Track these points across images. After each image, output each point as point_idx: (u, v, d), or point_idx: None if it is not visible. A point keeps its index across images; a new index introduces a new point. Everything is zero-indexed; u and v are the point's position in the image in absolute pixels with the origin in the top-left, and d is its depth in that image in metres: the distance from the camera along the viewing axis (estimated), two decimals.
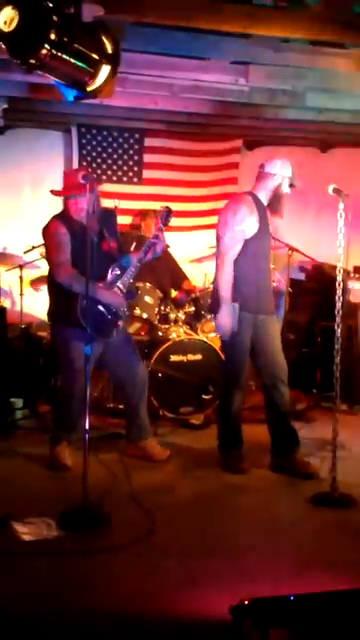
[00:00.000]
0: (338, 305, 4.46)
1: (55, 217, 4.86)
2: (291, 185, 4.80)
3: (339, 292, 4.47)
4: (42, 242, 5.36)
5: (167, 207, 4.99)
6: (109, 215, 5.03)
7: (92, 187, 4.56)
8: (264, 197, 4.79)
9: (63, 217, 4.81)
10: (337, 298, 4.46)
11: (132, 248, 5.42)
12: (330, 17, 4.19)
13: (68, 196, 4.81)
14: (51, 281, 4.83)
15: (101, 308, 4.74)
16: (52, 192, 5.04)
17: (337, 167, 7.80)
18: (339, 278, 4.45)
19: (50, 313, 4.95)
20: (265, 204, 4.79)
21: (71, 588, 3.34)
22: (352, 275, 6.67)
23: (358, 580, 3.34)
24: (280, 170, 4.76)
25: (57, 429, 4.95)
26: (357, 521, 4.17)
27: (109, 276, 4.83)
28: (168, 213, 4.95)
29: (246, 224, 4.67)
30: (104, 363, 4.95)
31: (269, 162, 4.80)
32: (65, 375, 4.96)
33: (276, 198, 4.80)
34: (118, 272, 4.86)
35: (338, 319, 4.46)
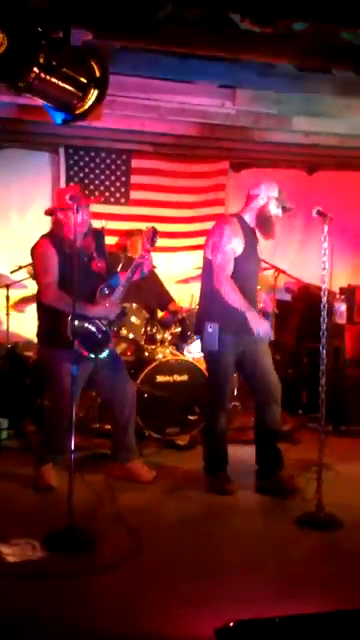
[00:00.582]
0: (323, 326, 4.49)
1: (44, 237, 4.86)
2: (284, 208, 4.81)
3: (324, 314, 4.50)
4: (29, 262, 5.38)
5: (153, 227, 5.01)
6: (98, 235, 5.03)
7: (88, 203, 4.61)
8: (250, 219, 4.82)
9: (52, 237, 4.81)
10: (322, 319, 4.49)
11: (119, 268, 5.44)
12: (315, 43, 4.26)
13: (64, 211, 4.70)
14: (39, 302, 4.83)
15: (90, 327, 4.75)
16: (47, 211, 5.00)
17: (323, 190, 7.88)
18: (324, 300, 4.49)
19: (39, 334, 4.95)
20: (252, 226, 4.82)
21: (56, 609, 3.31)
22: (338, 296, 6.71)
23: (344, 602, 3.34)
24: (265, 191, 4.79)
25: (43, 450, 4.93)
26: (342, 542, 4.16)
27: (98, 296, 4.84)
28: (154, 233, 4.97)
29: (233, 244, 4.70)
30: (93, 383, 4.95)
31: (258, 186, 4.83)
32: (53, 396, 4.95)
33: (264, 219, 4.81)
34: (107, 292, 4.88)
35: (323, 340, 4.48)
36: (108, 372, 4.93)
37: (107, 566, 3.72)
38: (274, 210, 4.81)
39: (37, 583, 3.56)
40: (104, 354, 4.83)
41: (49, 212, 5.01)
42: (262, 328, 4.71)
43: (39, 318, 4.90)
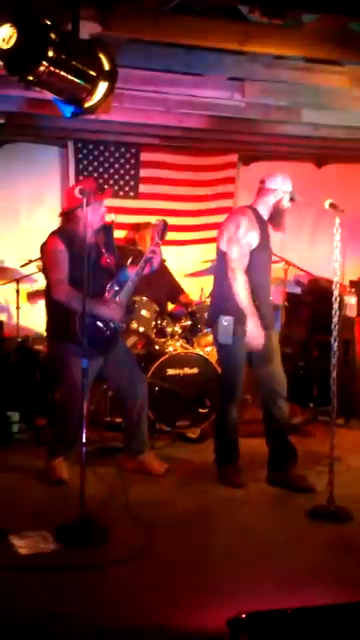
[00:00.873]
0: (335, 319, 4.49)
1: (54, 233, 4.86)
2: (292, 199, 4.82)
3: (335, 306, 4.49)
4: (39, 256, 5.38)
5: (163, 221, 5.01)
6: (107, 230, 5.01)
7: (105, 198, 4.67)
8: (265, 212, 4.81)
9: (62, 233, 4.80)
10: (334, 312, 4.48)
11: (128, 262, 5.44)
12: (325, 34, 4.24)
13: (80, 192, 4.51)
14: (49, 297, 4.84)
15: (99, 324, 4.75)
16: (65, 210, 4.93)
17: (333, 182, 7.86)
18: (335, 293, 4.48)
19: (48, 329, 4.96)
20: (265, 218, 4.82)
21: (68, 602, 3.33)
22: (348, 289, 6.69)
23: (355, 594, 3.34)
24: (281, 185, 4.78)
25: (54, 443, 4.94)
26: (353, 535, 4.17)
27: (107, 292, 4.85)
28: (164, 227, 4.97)
29: (250, 237, 4.70)
30: (105, 377, 4.99)
31: (270, 177, 4.82)
32: (64, 390, 4.97)
33: (278, 213, 4.82)
34: (116, 288, 4.88)
35: (335, 333, 4.48)
36: (119, 365, 4.95)
37: (119, 559, 3.73)
38: (287, 204, 4.81)
39: (49, 575, 3.58)
40: (111, 351, 4.84)
41: (65, 211, 4.94)
42: (256, 342, 4.70)
43: (48, 313, 4.91)
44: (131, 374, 5.03)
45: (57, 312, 4.73)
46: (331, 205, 4.41)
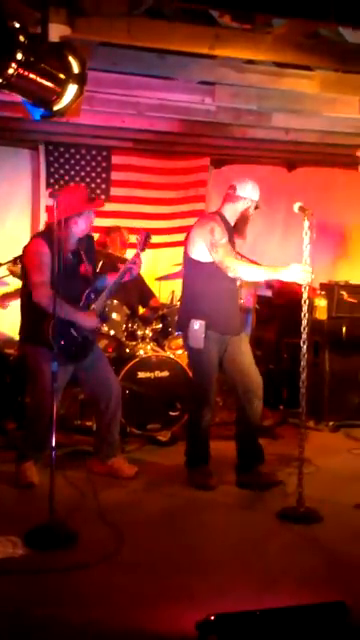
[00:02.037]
0: (304, 322, 4.52)
1: (39, 236, 4.84)
2: (256, 207, 4.84)
3: (305, 309, 4.52)
4: (9, 259, 5.38)
5: (147, 232, 5.06)
6: (88, 239, 5.00)
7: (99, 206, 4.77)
8: (231, 218, 4.83)
9: (47, 237, 4.73)
10: (303, 315, 4.52)
11: (99, 265, 5.43)
12: (294, 39, 4.28)
13: (77, 214, 4.66)
14: (25, 299, 4.81)
15: (73, 332, 4.74)
16: (59, 218, 4.88)
17: (303, 186, 7.90)
18: (305, 295, 4.51)
19: (22, 331, 4.94)
20: (231, 224, 4.83)
21: (37, 607, 3.31)
22: (318, 292, 6.73)
23: (323, 595, 3.36)
24: (250, 194, 4.79)
25: (24, 447, 4.92)
26: (322, 536, 4.19)
27: (84, 299, 4.85)
28: (147, 237, 5.01)
29: (225, 238, 4.69)
30: (78, 381, 4.98)
31: (241, 184, 4.82)
32: (34, 393, 4.94)
33: (242, 220, 4.84)
34: (92, 296, 4.89)
35: (304, 336, 4.51)
36: (92, 370, 4.94)
37: (88, 562, 3.72)
38: (252, 212, 4.82)
39: (18, 579, 3.56)
40: (83, 358, 4.84)
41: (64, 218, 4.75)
42: (302, 276, 4.49)
43: (23, 315, 4.89)
44: (105, 378, 5.02)
45: (32, 314, 4.70)
46: (300, 208, 4.43)
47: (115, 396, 5.03)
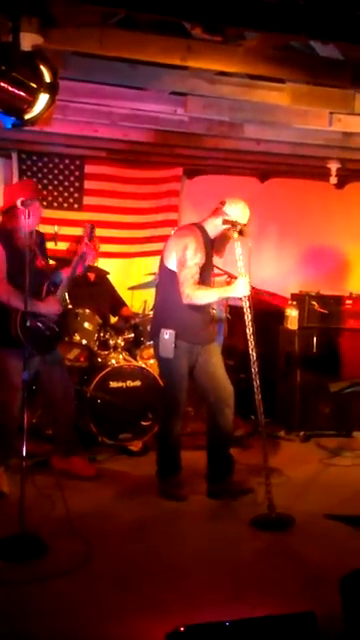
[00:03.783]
0: (248, 332, 4.69)
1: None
2: (240, 232, 4.73)
3: (247, 319, 4.67)
4: None
5: (91, 224, 5.12)
6: (38, 234, 5.05)
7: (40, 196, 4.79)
8: (212, 232, 4.81)
9: (1, 232, 4.79)
10: (247, 323, 4.65)
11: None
12: (266, 52, 4.30)
13: (22, 204, 4.63)
14: None
15: (39, 324, 4.79)
16: (3, 208, 4.92)
17: (275, 197, 7.98)
18: (246, 305, 4.67)
19: None
20: (211, 237, 4.82)
21: (5, 618, 3.29)
22: (289, 302, 6.77)
23: (293, 605, 3.37)
24: (236, 214, 4.75)
25: None
26: (292, 546, 4.21)
27: (44, 292, 4.90)
28: (92, 229, 5.08)
29: (198, 258, 4.69)
30: (39, 377, 5.00)
31: (231, 201, 4.78)
32: (2, 393, 4.92)
33: (222, 239, 4.83)
34: (52, 289, 4.96)
35: (251, 345, 4.61)
36: (48, 367, 4.98)
37: (58, 572, 3.70)
38: (234, 234, 4.74)
39: None
40: (52, 350, 4.92)
41: (4, 209, 4.93)
42: (243, 292, 4.66)
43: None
44: (59, 377, 5.09)
45: None
46: (225, 221, 4.62)
47: (69, 396, 5.16)
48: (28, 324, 4.41)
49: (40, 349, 4.77)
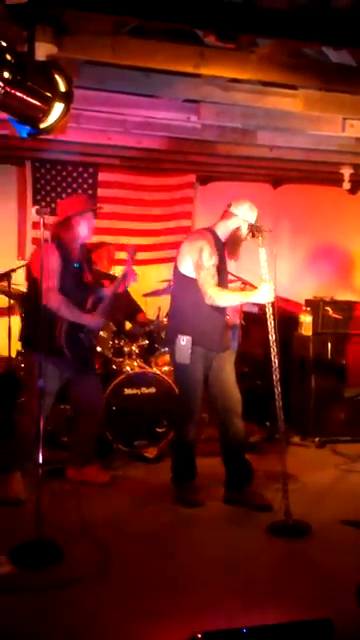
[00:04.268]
0: (271, 338, 4.66)
1: (49, 241, 4.90)
2: (253, 235, 4.75)
3: (270, 326, 4.65)
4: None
5: (134, 247, 5.40)
6: (85, 249, 5.18)
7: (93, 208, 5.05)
8: (223, 235, 4.82)
9: (57, 242, 4.86)
10: (270, 329, 4.65)
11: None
12: (278, 59, 4.31)
13: (78, 213, 4.89)
14: (31, 305, 4.83)
15: (82, 337, 4.90)
16: (60, 219, 4.97)
17: (288, 203, 7.98)
18: (269, 312, 4.63)
19: (24, 337, 5.03)
20: (223, 241, 4.84)
21: (24, 625, 3.30)
22: (304, 308, 6.76)
23: (310, 612, 3.37)
24: (244, 214, 4.77)
25: (11, 458, 4.90)
26: (309, 553, 4.19)
27: (90, 306, 5.04)
28: (134, 251, 5.35)
29: (213, 260, 4.69)
30: (70, 386, 5.07)
31: (236, 202, 4.82)
32: (28, 399, 4.99)
33: (233, 239, 4.82)
34: (96, 304, 5.09)
35: (274, 350, 4.59)
36: (80, 379, 5.03)
37: (75, 579, 3.71)
38: (244, 234, 4.79)
39: (5, 598, 3.54)
40: (88, 364, 5.03)
41: (59, 221, 4.98)
42: (267, 298, 4.67)
43: (27, 322, 5.01)
44: (93, 391, 5.16)
45: (38, 322, 4.68)
46: (252, 227, 4.65)
47: (97, 410, 5.17)
48: (71, 333, 4.70)
49: (78, 361, 4.87)
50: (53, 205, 7.30)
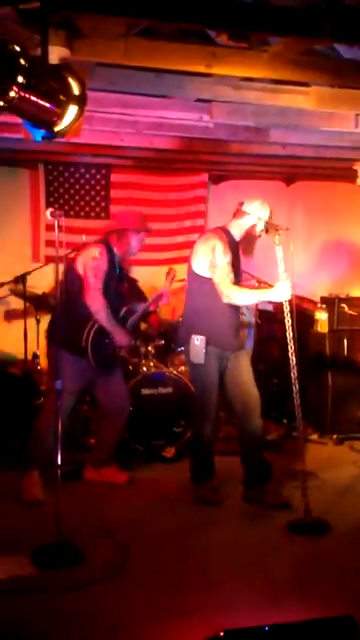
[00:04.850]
0: (289, 336, 4.64)
1: (102, 243, 5.04)
2: (267, 231, 4.77)
3: (287, 323, 4.63)
4: (9, 279, 5.43)
5: (174, 269, 5.49)
6: (128, 262, 5.28)
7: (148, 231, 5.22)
8: (237, 234, 4.83)
9: (108, 247, 5.00)
10: (287, 327, 4.64)
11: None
12: (290, 57, 4.31)
13: (135, 229, 5.07)
14: (67, 302, 4.77)
15: (107, 341, 4.98)
16: (118, 227, 5.13)
17: (302, 200, 7.97)
18: (286, 309, 4.62)
19: (51, 333, 5.02)
20: (237, 240, 4.84)
21: (45, 625, 3.32)
22: (319, 305, 6.75)
23: (331, 609, 3.36)
24: (257, 211, 4.78)
25: (30, 458, 4.92)
26: (329, 549, 4.20)
27: (121, 316, 5.14)
28: (175, 273, 5.47)
29: (227, 257, 4.69)
30: (94, 387, 5.16)
31: (248, 200, 4.83)
32: (51, 396, 4.98)
33: (248, 237, 4.83)
34: (127, 314, 5.18)
35: (291, 348, 4.60)
36: (105, 380, 5.10)
37: (96, 580, 3.73)
38: (259, 231, 4.81)
39: (26, 599, 3.56)
40: (110, 369, 5.09)
41: (115, 229, 5.14)
42: (284, 294, 4.65)
43: (57, 318, 4.96)
44: (118, 394, 5.21)
45: (69, 320, 4.68)
46: (269, 224, 4.66)
47: (123, 413, 5.23)
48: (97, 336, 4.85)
49: (99, 364, 4.94)
50: (66, 207, 7.34)
